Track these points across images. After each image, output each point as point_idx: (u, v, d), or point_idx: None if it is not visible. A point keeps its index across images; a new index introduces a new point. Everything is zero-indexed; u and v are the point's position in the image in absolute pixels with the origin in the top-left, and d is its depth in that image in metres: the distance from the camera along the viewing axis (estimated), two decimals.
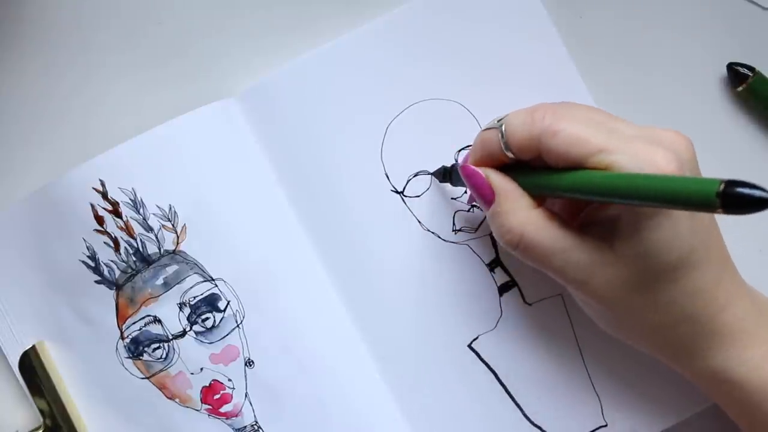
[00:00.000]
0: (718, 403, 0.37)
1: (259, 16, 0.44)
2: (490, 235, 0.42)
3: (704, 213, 0.34)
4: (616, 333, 0.37)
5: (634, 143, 0.33)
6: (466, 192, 0.42)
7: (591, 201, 0.36)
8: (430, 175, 0.42)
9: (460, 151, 0.42)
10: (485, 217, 0.42)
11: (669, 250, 0.33)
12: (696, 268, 0.33)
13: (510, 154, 0.35)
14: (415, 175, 0.42)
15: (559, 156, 0.33)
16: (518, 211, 0.35)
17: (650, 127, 0.34)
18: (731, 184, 0.26)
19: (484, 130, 0.37)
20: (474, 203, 0.42)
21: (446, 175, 0.41)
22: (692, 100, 0.44)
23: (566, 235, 0.35)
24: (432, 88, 0.43)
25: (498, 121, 0.36)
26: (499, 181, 0.36)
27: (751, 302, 0.35)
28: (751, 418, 0.36)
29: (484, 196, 0.36)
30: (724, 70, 0.44)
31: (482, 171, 0.37)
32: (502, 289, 0.42)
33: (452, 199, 0.42)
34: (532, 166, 0.35)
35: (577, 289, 0.35)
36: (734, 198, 0.26)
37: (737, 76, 0.43)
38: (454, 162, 0.42)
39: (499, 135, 0.35)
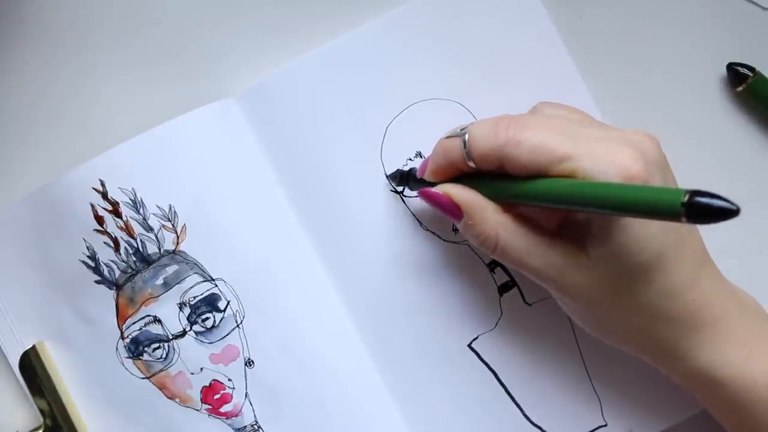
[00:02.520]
0: (704, 404, 0.37)
1: (259, 16, 0.44)
2: None
3: None
4: (597, 334, 0.38)
5: (599, 146, 0.33)
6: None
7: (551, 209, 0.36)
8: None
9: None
10: None
11: (639, 251, 0.33)
12: (669, 270, 0.33)
13: (472, 164, 0.35)
14: None
15: (522, 166, 0.33)
16: (489, 218, 0.35)
17: (618, 129, 0.35)
18: (695, 194, 0.27)
19: (446, 138, 0.37)
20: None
21: (403, 179, 0.41)
22: (692, 100, 0.44)
23: (539, 237, 0.35)
24: (432, 88, 0.43)
25: (461, 129, 0.36)
26: (462, 195, 0.36)
27: (732, 301, 0.35)
28: (737, 418, 0.36)
29: (451, 213, 0.37)
30: (724, 70, 0.44)
31: (441, 189, 0.37)
32: (502, 289, 0.42)
33: None
34: (494, 175, 0.35)
35: (555, 290, 0.36)
36: (698, 208, 0.27)
37: (737, 76, 0.43)
38: (410, 168, 0.41)
39: (462, 144, 0.35)
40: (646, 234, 0.33)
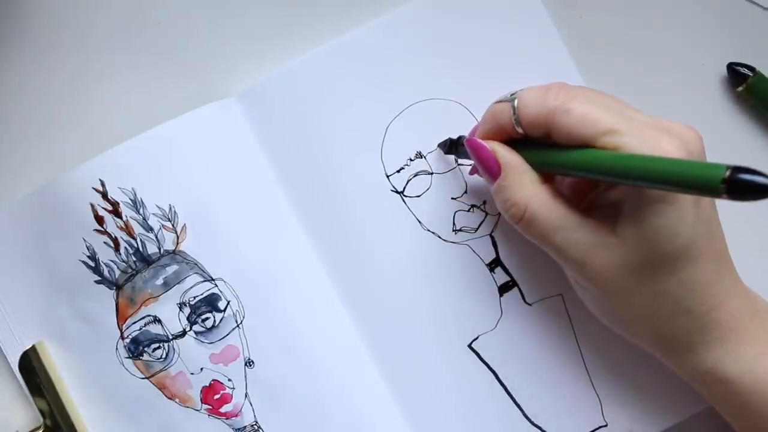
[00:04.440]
0: (711, 401, 0.37)
1: (260, 16, 0.44)
2: (490, 235, 0.42)
3: (707, 206, 0.34)
4: (610, 321, 0.37)
5: (645, 129, 0.33)
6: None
7: (595, 181, 0.36)
8: (430, 175, 0.42)
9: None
10: (485, 217, 0.42)
11: (671, 238, 0.33)
12: (696, 261, 0.33)
13: (520, 130, 0.35)
14: (415, 175, 0.42)
15: (569, 134, 0.33)
16: (524, 185, 0.35)
17: (661, 118, 0.35)
18: (737, 170, 0.27)
19: (496, 102, 0.37)
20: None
21: (451, 146, 0.41)
22: (692, 99, 0.44)
23: (570, 213, 0.35)
24: (432, 88, 0.43)
25: (511, 95, 0.36)
26: (505, 154, 0.36)
27: (747, 301, 0.36)
28: (745, 417, 0.36)
29: (490, 169, 0.36)
30: (724, 70, 0.44)
31: (488, 144, 0.37)
32: (502, 289, 0.42)
33: (452, 199, 0.43)
34: (540, 143, 0.35)
35: (575, 270, 0.35)
36: (739, 184, 0.27)
37: (737, 76, 0.43)
38: (459, 135, 0.41)
39: (511, 109, 0.35)
40: (679, 221, 0.33)
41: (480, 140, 0.37)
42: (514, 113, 0.35)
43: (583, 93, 0.34)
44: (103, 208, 0.41)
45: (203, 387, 0.42)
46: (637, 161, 0.31)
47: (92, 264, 0.42)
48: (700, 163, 0.29)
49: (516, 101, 0.35)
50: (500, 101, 0.37)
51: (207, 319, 0.42)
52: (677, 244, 0.33)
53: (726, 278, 0.35)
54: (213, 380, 0.42)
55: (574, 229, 0.34)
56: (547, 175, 0.36)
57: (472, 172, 0.42)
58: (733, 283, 0.35)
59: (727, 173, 0.27)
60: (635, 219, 0.33)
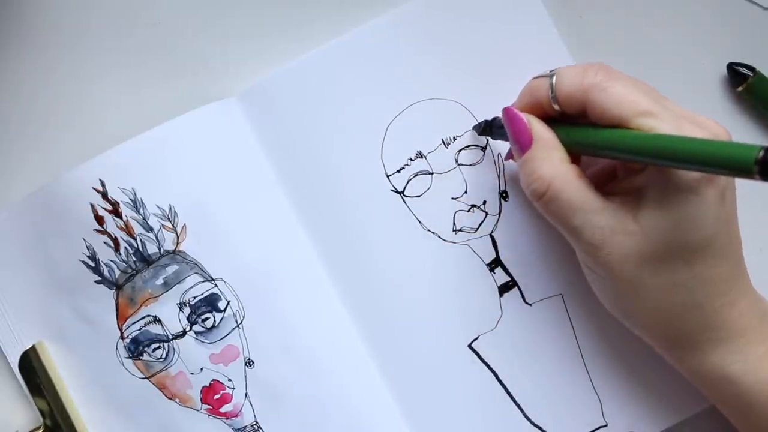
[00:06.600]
0: (714, 400, 0.37)
1: (260, 16, 0.44)
2: (491, 235, 0.42)
3: (730, 204, 0.34)
4: (619, 312, 0.37)
5: (678, 118, 0.33)
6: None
7: (614, 170, 0.36)
8: (430, 174, 0.42)
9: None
10: (485, 217, 0.42)
11: (694, 228, 0.33)
12: (714, 257, 0.33)
13: (556, 106, 0.36)
14: (416, 175, 0.42)
15: (604, 112, 0.34)
16: (551, 161, 0.35)
17: (694, 113, 0.35)
18: None
19: (535, 78, 0.37)
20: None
21: (486, 128, 0.41)
22: (692, 100, 0.44)
23: (593, 195, 0.35)
24: (432, 87, 0.43)
25: (550, 71, 0.36)
26: (539, 128, 0.36)
27: (757, 305, 0.36)
28: (746, 417, 0.36)
29: (522, 140, 0.36)
30: (724, 70, 0.44)
31: (524, 116, 0.37)
32: (502, 289, 0.42)
33: (452, 199, 0.43)
34: (574, 123, 0.36)
35: (590, 254, 0.35)
36: None
37: (737, 76, 0.43)
38: (494, 117, 0.41)
39: (549, 84, 0.36)
40: (705, 213, 0.33)
41: (516, 111, 0.37)
42: (552, 89, 0.35)
43: (621, 75, 0.35)
44: (103, 208, 0.41)
45: (203, 387, 0.42)
46: (673, 141, 0.31)
47: (92, 264, 0.42)
48: (732, 143, 0.29)
49: (554, 77, 0.36)
50: (538, 77, 0.37)
51: (207, 319, 0.42)
52: (699, 236, 0.33)
53: (739, 279, 0.35)
54: (213, 380, 0.42)
55: (595, 212, 0.34)
56: (575, 157, 0.36)
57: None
58: (746, 286, 0.35)
59: (761, 154, 0.27)
60: (660, 206, 0.33)
